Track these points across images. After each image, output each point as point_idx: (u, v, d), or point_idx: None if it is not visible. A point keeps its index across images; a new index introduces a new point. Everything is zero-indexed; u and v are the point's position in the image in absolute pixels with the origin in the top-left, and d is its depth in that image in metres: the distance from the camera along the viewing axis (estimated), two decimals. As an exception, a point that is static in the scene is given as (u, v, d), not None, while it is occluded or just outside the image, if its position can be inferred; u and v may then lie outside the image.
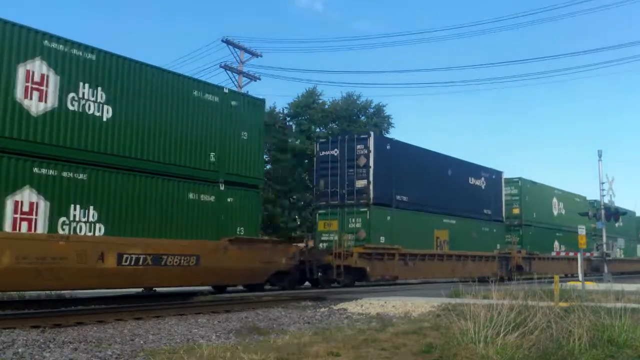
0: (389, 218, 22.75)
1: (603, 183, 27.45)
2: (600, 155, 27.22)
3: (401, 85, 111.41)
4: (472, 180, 28.94)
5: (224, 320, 10.92)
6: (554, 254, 34.72)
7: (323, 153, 23.33)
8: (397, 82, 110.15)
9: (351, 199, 22.27)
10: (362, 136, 23.19)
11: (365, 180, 22.02)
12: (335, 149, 22.88)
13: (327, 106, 42.19)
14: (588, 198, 42.36)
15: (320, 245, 22.12)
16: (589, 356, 6.82)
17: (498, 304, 7.59)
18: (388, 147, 23.29)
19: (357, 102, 43.26)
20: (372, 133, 23.51)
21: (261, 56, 34.81)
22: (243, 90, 32.69)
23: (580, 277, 17.15)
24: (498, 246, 30.33)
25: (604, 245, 27.64)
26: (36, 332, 8.89)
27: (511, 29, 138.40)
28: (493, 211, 30.38)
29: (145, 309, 11.93)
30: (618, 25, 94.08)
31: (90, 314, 10.87)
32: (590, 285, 17.31)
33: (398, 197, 23.27)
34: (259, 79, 35.11)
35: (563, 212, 38.00)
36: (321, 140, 24.29)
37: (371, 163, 22.13)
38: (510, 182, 33.48)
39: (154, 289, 17.05)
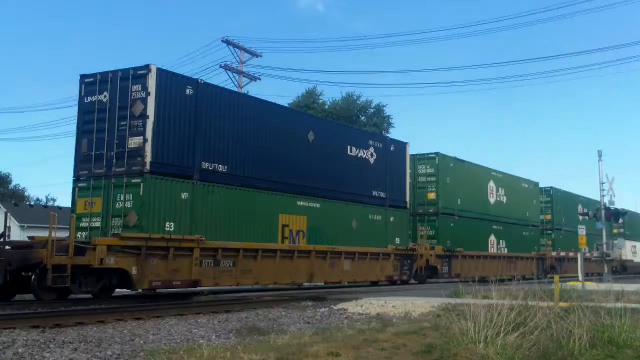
0: (185, 196, 15.46)
1: (603, 183, 27.41)
2: (600, 155, 27.19)
3: (401, 85, 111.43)
4: (353, 151, 21.41)
5: (223, 320, 10.92)
6: (490, 251, 29.82)
7: (89, 99, 15.73)
8: (397, 82, 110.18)
9: (121, 165, 14.96)
10: (140, 72, 15.20)
11: (141, 138, 14.78)
12: (105, 93, 15.44)
13: (327, 106, 42.23)
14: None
15: (79, 235, 14.80)
16: (589, 356, 6.82)
17: (498, 304, 7.58)
18: (189, 90, 15.88)
19: (357, 102, 43.31)
20: (154, 67, 15.17)
21: (261, 56, 34.90)
22: (243, 90, 32.74)
23: (580, 277, 17.16)
24: (397, 240, 22.91)
25: (604, 246, 27.60)
26: (36, 332, 8.88)
27: (511, 29, 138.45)
28: (389, 194, 22.87)
29: (145, 309, 11.92)
30: (618, 25, 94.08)
31: (90, 314, 10.87)
32: (591, 285, 17.31)
33: (206, 165, 16.22)
34: (259, 79, 35.20)
35: (504, 200, 31.58)
36: (87, 79, 15.91)
37: (150, 111, 14.82)
38: (424, 158, 26.96)
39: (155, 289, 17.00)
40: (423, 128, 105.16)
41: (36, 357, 6.98)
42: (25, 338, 8.17)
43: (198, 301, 14.73)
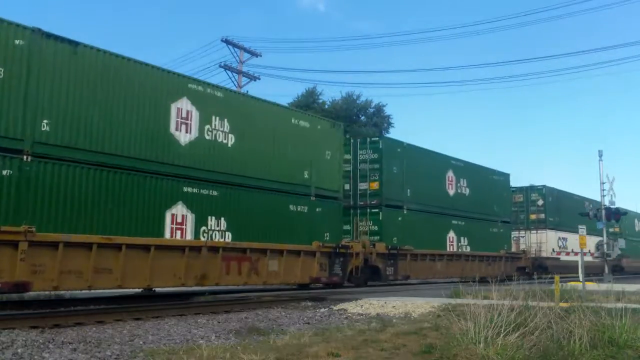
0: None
1: (603, 183, 27.39)
2: (600, 155, 27.17)
3: (401, 85, 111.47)
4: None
5: (223, 320, 10.91)
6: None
7: None
8: (397, 82, 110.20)
9: None
10: None
11: None
12: None
13: (327, 106, 42.23)
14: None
15: None
16: (589, 357, 6.81)
17: (498, 304, 7.56)
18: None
19: (357, 102, 43.31)
20: None
21: (261, 56, 34.91)
22: (243, 90, 32.74)
23: (580, 278, 17.13)
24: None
25: (604, 246, 27.58)
26: (35, 332, 8.87)
27: (511, 29, 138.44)
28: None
29: (145, 309, 11.90)
30: (618, 25, 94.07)
31: (90, 315, 10.85)
32: (591, 286, 17.29)
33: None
34: (259, 79, 35.19)
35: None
36: None
37: None
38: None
39: (153, 289, 17.00)
40: (423, 128, 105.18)
41: (35, 357, 6.97)
42: (24, 338, 8.15)
43: (198, 301, 14.72)
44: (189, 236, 15.08)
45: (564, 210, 36.06)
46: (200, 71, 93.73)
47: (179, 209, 14.94)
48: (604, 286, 16.71)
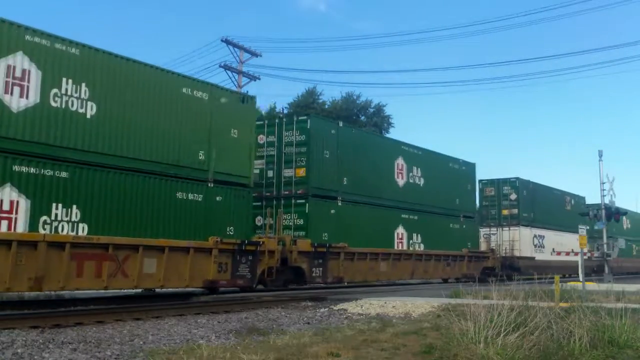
0: None
1: (603, 183, 27.40)
2: (600, 155, 27.18)
3: (401, 85, 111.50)
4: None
5: (223, 320, 10.91)
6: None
7: None
8: (397, 82, 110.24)
9: None
10: None
11: None
12: None
13: (327, 106, 42.26)
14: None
15: None
16: (589, 357, 6.81)
17: (498, 304, 7.57)
18: None
19: (357, 102, 43.34)
20: None
21: (261, 56, 34.88)
22: (243, 90, 32.73)
23: (580, 278, 17.14)
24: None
25: (605, 246, 27.59)
26: (35, 332, 8.87)
27: (511, 29, 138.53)
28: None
29: (145, 309, 11.91)
30: (618, 25, 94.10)
31: (90, 315, 10.85)
32: (591, 286, 17.30)
33: None
34: (259, 79, 35.16)
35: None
36: None
37: None
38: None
39: (153, 289, 16.99)
40: (423, 128, 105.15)
41: (35, 357, 6.97)
42: (24, 338, 8.16)
43: (198, 301, 14.71)
44: (22, 228, 11.70)
45: (540, 205, 33.46)
46: (200, 71, 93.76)
47: (7, 193, 11.57)
48: (604, 286, 16.71)
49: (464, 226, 27.53)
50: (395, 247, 22.70)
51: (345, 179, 20.54)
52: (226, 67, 33.66)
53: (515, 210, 31.81)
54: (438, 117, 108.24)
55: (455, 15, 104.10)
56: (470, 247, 27.55)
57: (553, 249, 33.93)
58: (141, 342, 8.24)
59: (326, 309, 12.89)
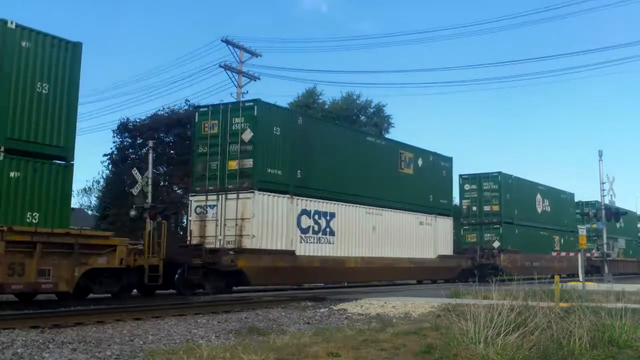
0: None
1: (603, 183, 27.41)
2: (600, 155, 27.19)
3: (401, 85, 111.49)
4: None
5: (223, 320, 10.90)
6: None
7: None
8: (397, 82, 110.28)
9: None
10: None
11: None
12: None
13: (327, 106, 42.28)
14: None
15: None
16: (589, 357, 6.81)
17: (498, 304, 7.56)
18: None
19: (357, 102, 43.36)
20: None
21: (261, 56, 34.87)
22: (242, 90, 32.71)
23: (580, 278, 17.13)
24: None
25: (605, 246, 27.60)
26: (35, 332, 8.86)
27: (511, 29, 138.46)
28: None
29: (145, 309, 11.91)
30: (618, 26, 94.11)
31: (90, 315, 10.85)
32: (591, 286, 17.29)
33: None
34: (259, 79, 35.15)
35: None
36: None
37: None
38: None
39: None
40: (423, 128, 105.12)
41: (35, 357, 6.97)
42: (24, 338, 8.15)
43: (198, 301, 14.72)
44: None
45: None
46: (200, 71, 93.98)
47: None
48: (604, 286, 16.71)
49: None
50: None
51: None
52: (226, 67, 33.65)
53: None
54: (438, 117, 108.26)
55: (455, 15, 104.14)
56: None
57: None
58: (141, 342, 8.24)
59: (326, 309, 12.88)
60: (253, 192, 17.61)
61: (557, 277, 13.10)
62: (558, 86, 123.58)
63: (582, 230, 18.96)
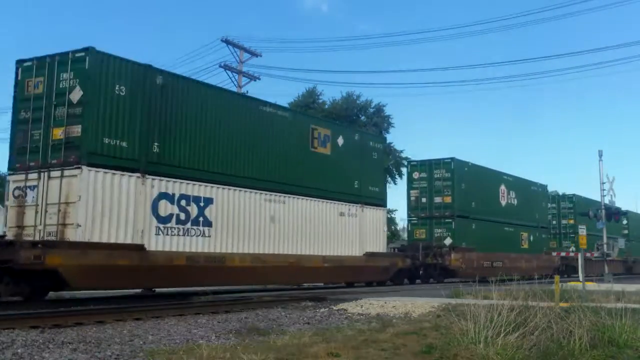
0: None
1: (604, 183, 27.42)
2: (600, 155, 27.21)
3: (401, 85, 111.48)
4: None
5: (223, 320, 10.90)
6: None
7: None
8: (397, 82, 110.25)
9: None
10: None
11: None
12: None
13: (327, 106, 42.28)
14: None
15: None
16: (589, 356, 6.81)
17: (498, 304, 7.57)
18: None
19: (357, 102, 43.35)
20: None
21: (261, 56, 34.87)
22: (242, 90, 32.70)
23: (580, 278, 17.13)
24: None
25: (605, 246, 27.62)
26: (35, 332, 8.86)
27: (511, 29, 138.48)
28: None
29: (145, 309, 11.89)
30: (618, 25, 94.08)
31: (90, 315, 10.84)
32: (591, 286, 17.29)
33: None
34: (259, 79, 35.16)
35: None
36: None
37: None
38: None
39: (153, 289, 17.00)
40: (424, 128, 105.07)
41: (35, 357, 6.96)
42: (24, 338, 8.15)
43: (198, 301, 14.71)
44: None
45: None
46: (200, 71, 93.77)
47: None
48: (604, 286, 16.71)
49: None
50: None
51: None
52: (226, 67, 33.66)
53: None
54: (438, 117, 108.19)
55: (455, 15, 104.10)
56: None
57: None
58: (141, 342, 8.23)
59: (326, 309, 12.88)
60: (80, 168, 13.62)
61: (557, 277, 13.10)
62: (558, 86, 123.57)
63: (582, 230, 18.99)
